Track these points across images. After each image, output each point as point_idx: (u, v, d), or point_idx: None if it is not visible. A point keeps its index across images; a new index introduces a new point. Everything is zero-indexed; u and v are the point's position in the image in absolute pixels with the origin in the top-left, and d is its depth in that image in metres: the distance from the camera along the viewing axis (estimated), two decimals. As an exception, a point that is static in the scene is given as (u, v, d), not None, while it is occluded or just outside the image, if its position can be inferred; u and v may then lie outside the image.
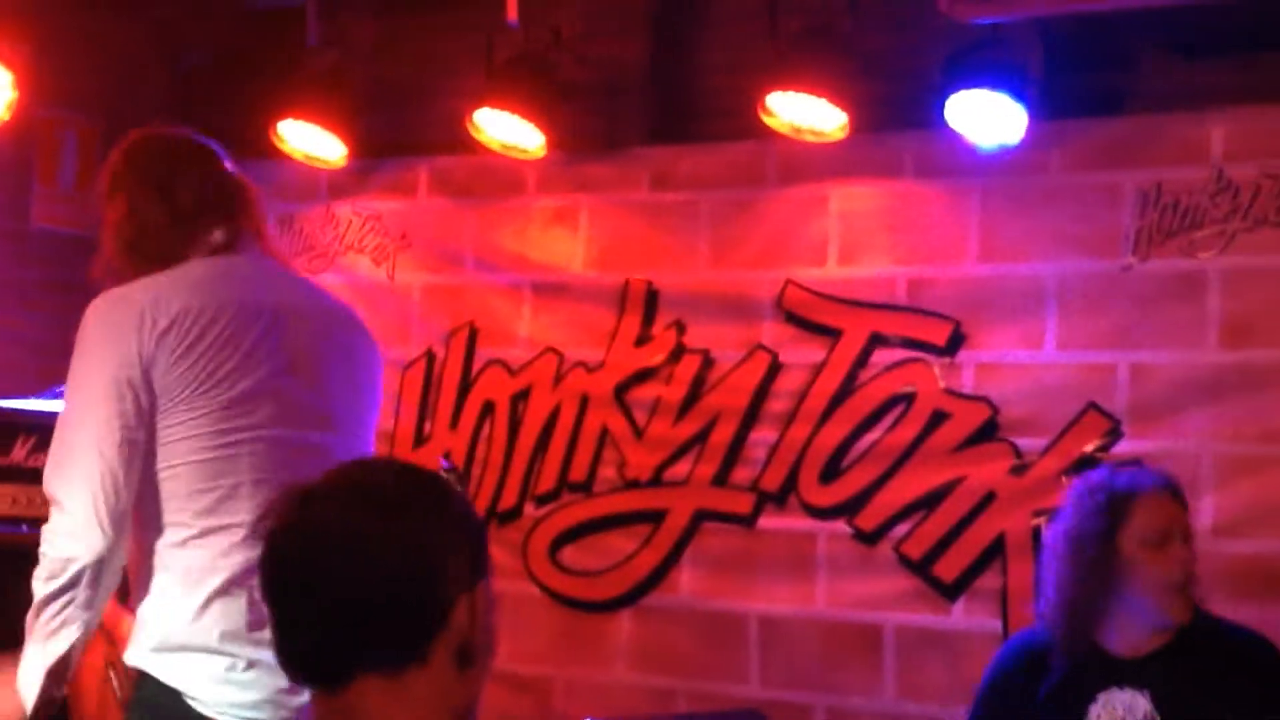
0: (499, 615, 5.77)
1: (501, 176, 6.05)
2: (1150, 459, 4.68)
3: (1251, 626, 4.04)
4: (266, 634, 2.27)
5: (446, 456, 5.82)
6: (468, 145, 5.87)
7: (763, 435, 5.62)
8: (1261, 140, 4.87)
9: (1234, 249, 4.88)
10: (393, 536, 2.18)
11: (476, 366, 6.15)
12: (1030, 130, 5.02)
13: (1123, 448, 4.94)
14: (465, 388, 6.16)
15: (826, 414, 5.50)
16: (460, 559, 2.22)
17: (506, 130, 5.81)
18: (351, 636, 2.19)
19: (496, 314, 6.13)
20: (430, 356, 6.23)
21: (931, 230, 5.37)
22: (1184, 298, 4.94)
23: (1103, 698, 3.95)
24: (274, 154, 6.06)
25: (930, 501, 5.31)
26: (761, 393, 5.62)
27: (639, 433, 5.82)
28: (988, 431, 5.23)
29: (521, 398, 6.05)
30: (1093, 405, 5.04)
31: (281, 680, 2.54)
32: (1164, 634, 3.95)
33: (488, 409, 6.11)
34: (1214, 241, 4.90)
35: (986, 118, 5.03)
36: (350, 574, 2.17)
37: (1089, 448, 5.02)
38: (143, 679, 3.48)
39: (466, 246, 6.18)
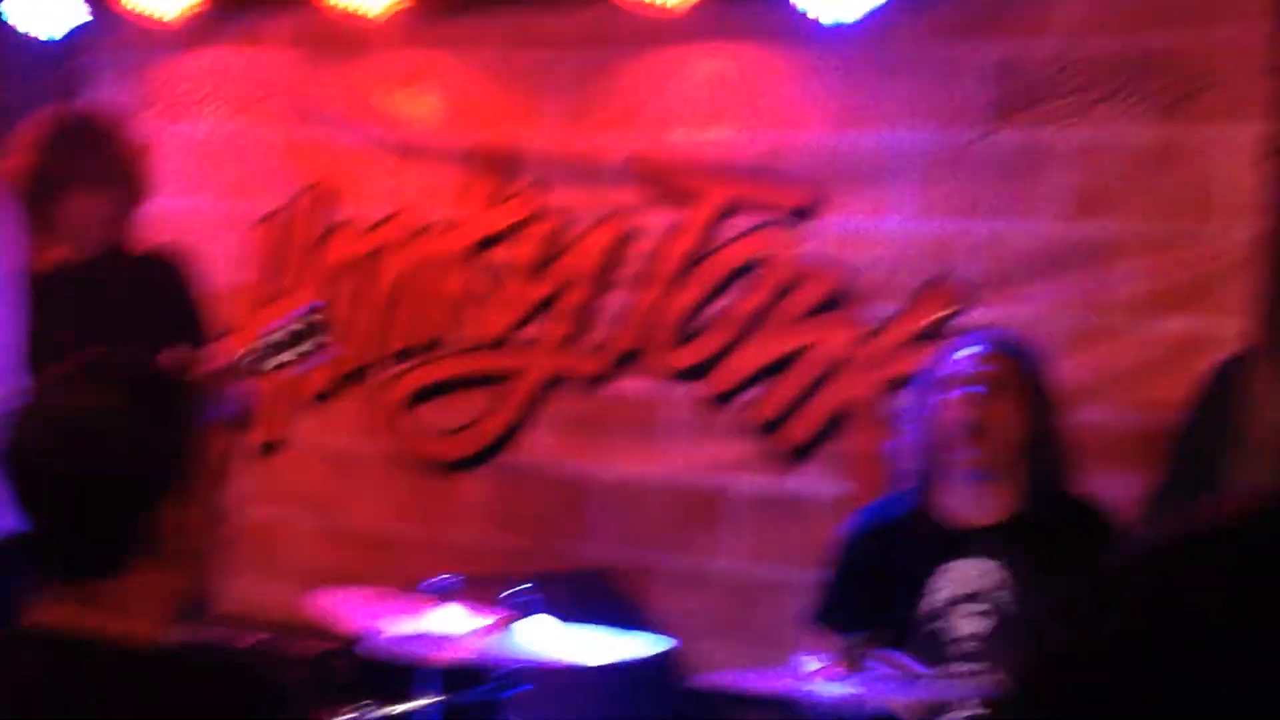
0: (350, 474, 5.69)
1: (357, 31, 5.89)
2: (998, 328, 4.68)
3: (1092, 496, 4.08)
4: None
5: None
6: None
7: (615, 299, 5.55)
8: (1111, 14, 4.84)
9: (1083, 122, 4.86)
10: (113, 431, 2.24)
11: (329, 224, 6.02)
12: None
13: (972, 317, 4.93)
14: (317, 245, 6.03)
15: (679, 278, 5.44)
16: (176, 460, 2.26)
17: (362, -15, 5.66)
18: (69, 524, 2.24)
19: (350, 172, 5.98)
20: (282, 213, 6.09)
21: (785, 97, 5.30)
22: (1033, 169, 4.91)
23: (954, 565, 3.97)
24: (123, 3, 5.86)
25: (780, 366, 5.28)
26: (614, 256, 5.55)
27: (491, 294, 5.74)
28: (838, 299, 5.20)
29: (374, 257, 5.94)
30: (942, 274, 5.03)
31: None
32: (1007, 503, 3.97)
33: (340, 268, 5.99)
34: (1063, 114, 4.88)
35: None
36: (70, 462, 2.23)
37: (937, 316, 5.01)
38: None
39: (321, 102, 6.02)
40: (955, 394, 4.00)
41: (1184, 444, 3.24)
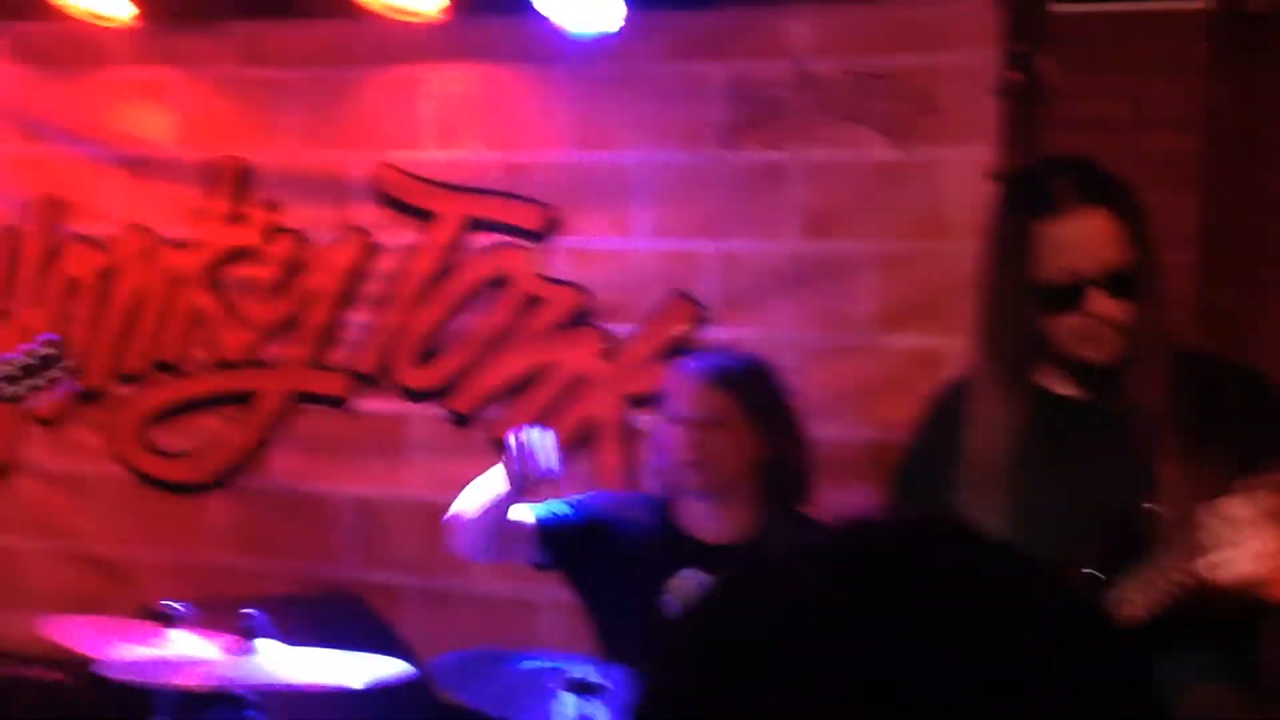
0: (87, 498, 5.54)
1: (88, 45, 5.74)
2: (737, 346, 4.73)
3: (824, 516, 4.14)
4: None
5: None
6: (51, 11, 5.55)
7: (357, 317, 5.49)
8: (843, 35, 4.92)
9: (818, 142, 4.93)
10: None
11: (60, 241, 5.86)
12: (625, 19, 4.98)
13: (711, 335, 4.98)
14: (48, 263, 5.87)
15: (420, 297, 5.40)
16: None
17: (93, -3, 5.52)
18: None
19: (82, 188, 5.83)
20: (11, 231, 5.91)
21: (526, 116, 5.29)
22: (767, 189, 4.97)
23: (682, 574, 4.01)
24: None
25: (523, 385, 5.28)
26: (355, 274, 5.49)
27: (230, 313, 5.64)
28: (579, 317, 5.21)
29: (107, 275, 5.79)
30: (680, 292, 5.06)
31: None
32: (740, 523, 4.02)
33: (73, 286, 5.83)
34: (798, 134, 4.94)
35: (580, 5, 4.98)
36: None
37: (677, 333, 5.04)
38: None
39: (50, 117, 5.86)
40: (674, 426, 4.05)
41: (909, 466, 3.30)
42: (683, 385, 4.09)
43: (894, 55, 4.85)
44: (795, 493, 4.08)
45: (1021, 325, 3.04)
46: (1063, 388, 3.08)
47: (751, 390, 4.07)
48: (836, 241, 4.90)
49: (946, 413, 3.22)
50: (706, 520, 4.05)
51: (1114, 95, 4.80)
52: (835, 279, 4.89)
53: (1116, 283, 2.96)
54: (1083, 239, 2.97)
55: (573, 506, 4.15)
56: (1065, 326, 2.98)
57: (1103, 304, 2.95)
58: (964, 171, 4.74)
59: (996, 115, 4.76)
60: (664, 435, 4.08)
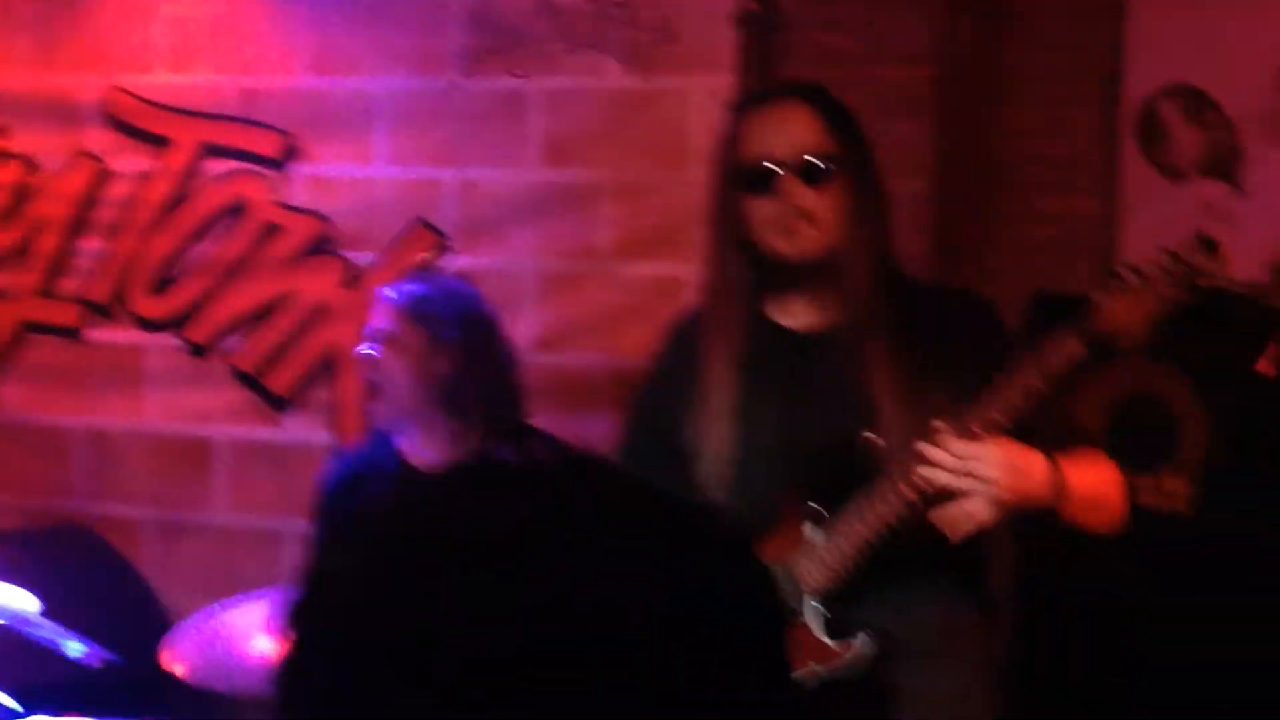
0: None
1: None
2: (479, 274, 4.69)
3: (572, 445, 4.13)
4: None
5: None
6: None
7: (89, 245, 5.34)
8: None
9: (557, 70, 4.90)
10: None
11: None
12: (362, -56, 4.91)
13: (452, 263, 4.94)
14: None
15: (155, 224, 5.27)
16: None
17: None
18: None
19: None
20: None
21: (263, 40, 5.17)
22: (508, 116, 4.93)
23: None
24: None
25: (262, 315, 5.19)
26: (87, 201, 5.33)
27: (-43, 241, 5.45)
28: (319, 245, 5.13)
29: None
30: (421, 220, 5.01)
31: None
32: (454, 448, 3.97)
33: None
34: (537, 62, 4.91)
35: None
36: None
37: (417, 262, 4.99)
38: None
39: None
40: (359, 350, 3.98)
41: (645, 394, 3.29)
42: (372, 311, 4.03)
43: (633, -17, 4.83)
44: (501, 418, 4.00)
45: (731, 225, 3.03)
46: (787, 319, 3.08)
47: (433, 314, 3.95)
48: (577, 170, 4.88)
49: (681, 341, 3.22)
50: (417, 447, 3.99)
51: (850, 26, 4.85)
52: (576, 207, 4.87)
53: (810, 171, 2.94)
54: (780, 125, 2.98)
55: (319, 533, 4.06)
56: (760, 214, 2.97)
57: (795, 190, 2.94)
58: (704, 99, 4.75)
59: (734, 44, 4.77)
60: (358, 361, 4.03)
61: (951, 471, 2.75)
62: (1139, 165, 5.02)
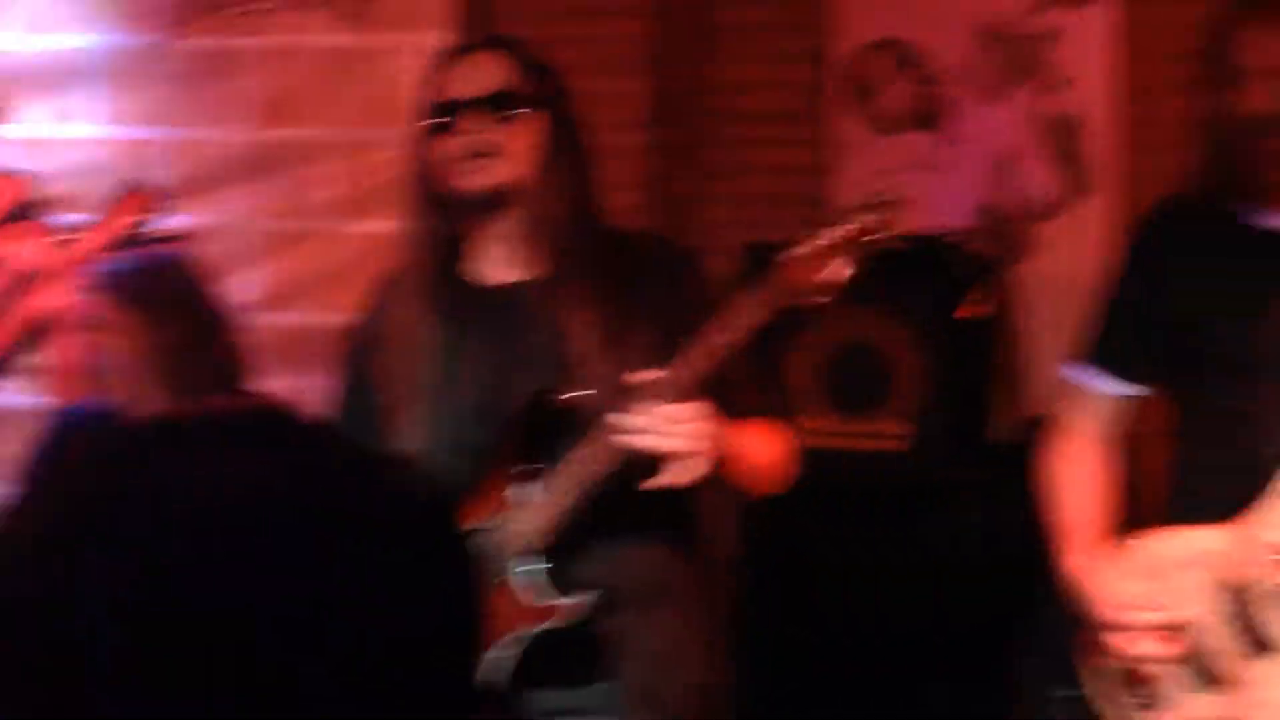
0: None
1: None
2: (197, 235, 4.62)
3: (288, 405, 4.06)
4: None
5: None
6: None
7: None
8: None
9: (269, 28, 4.83)
10: None
11: None
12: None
13: (170, 224, 4.84)
14: None
15: None
16: None
17: None
18: None
19: None
20: None
21: (-35, -1, 5.02)
22: (222, 75, 4.85)
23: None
24: None
25: (-30, 280, 5.04)
26: None
27: None
28: (28, 208, 4.99)
29: None
30: (134, 181, 4.90)
31: None
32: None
33: None
34: (248, 20, 4.83)
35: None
36: None
37: (132, 223, 4.89)
38: None
39: None
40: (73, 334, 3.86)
41: (351, 350, 3.22)
42: (84, 292, 3.91)
43: (346, -60, 4.79)
44: (220, 382, 3.92)
45: (424, 169, 3.01)
46: (489, 273, 3.05)
47: (145, 291, 3.85)
48: (293, 128, 4.82)
49: (386, 297, 3.18)
50: (138, 411, 3.90)
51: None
52: (292, 165, 4.82)
53: (495, 102, 2.92)
54: (472, 69, 2.97)
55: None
56: (445, 151, 2.95)
57: (478, 123, 2.92)
58: (415, 57, 4.71)
59: (447, 1, 4.75)
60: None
61: (652, 432, 2.75)
62: (848, 118, 5.13)
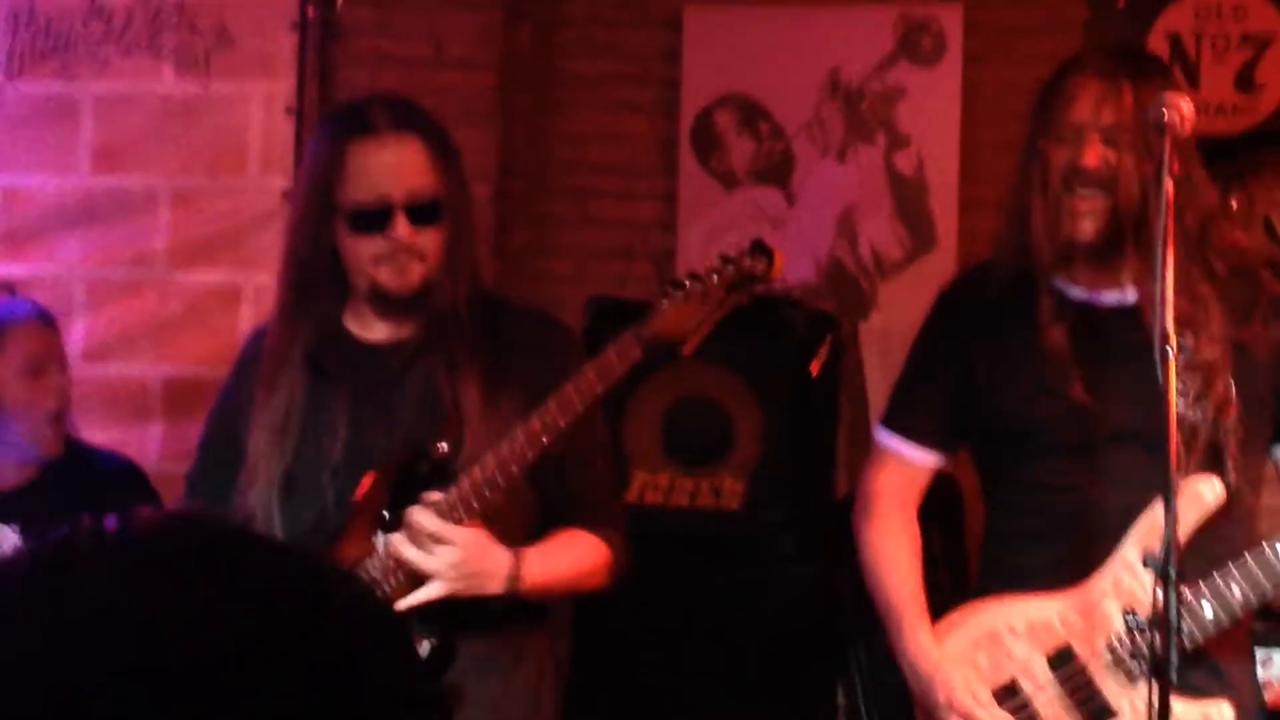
0: None
1: None
2: (24, 285, 4.47)
3: (117, 451, 3.95)
4: None
5: None
6: None
7: None
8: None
9: (107, 75, 4.71)
10: None
11: None
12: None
13: (-2, 271, 4.69)
14: None
15: None
16: None
17: None
18: None
19: None
20: None
21: None
22: (57, 120, 4.71)
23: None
24: None
25: None
26: None
27: None
28: None
29: None
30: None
31: None
32: (32, 466, 3.77)
33: None
34: (87, 65, 4.70)
35: None
36: None
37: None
38: None
39: None
40: (31, 375, 3.73)
41: (216, 411, 3.15)
42: (25, 332, 3.76)
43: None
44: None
45: (321, 250, 2.97)
46: (366, 331, 3.02)
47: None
48: (129, 176, 4.69)
49: (255, 355, 3.11)
50: None
51: (410, 33, 4.79)
52: (127, 214, 4.68)
53: (422, 210, 2.91)
54: (393, 164, 2.91)
55: None
56: (369, 250, 2.91)
57: (406, 229, 2.89)
58: (265, 105, 4.63)
59: (293, 50, 4.66)
60: (12, 396, 3.72)
61: (419, 547, 2.77)
62: (695, 172, 5.08)
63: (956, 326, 3.02)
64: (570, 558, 2.97)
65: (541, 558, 2.89)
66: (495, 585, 2.82)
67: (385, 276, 2.93)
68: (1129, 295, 2.90)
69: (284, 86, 4.64)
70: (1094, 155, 2.80)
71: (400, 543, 2.79)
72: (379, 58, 4.75)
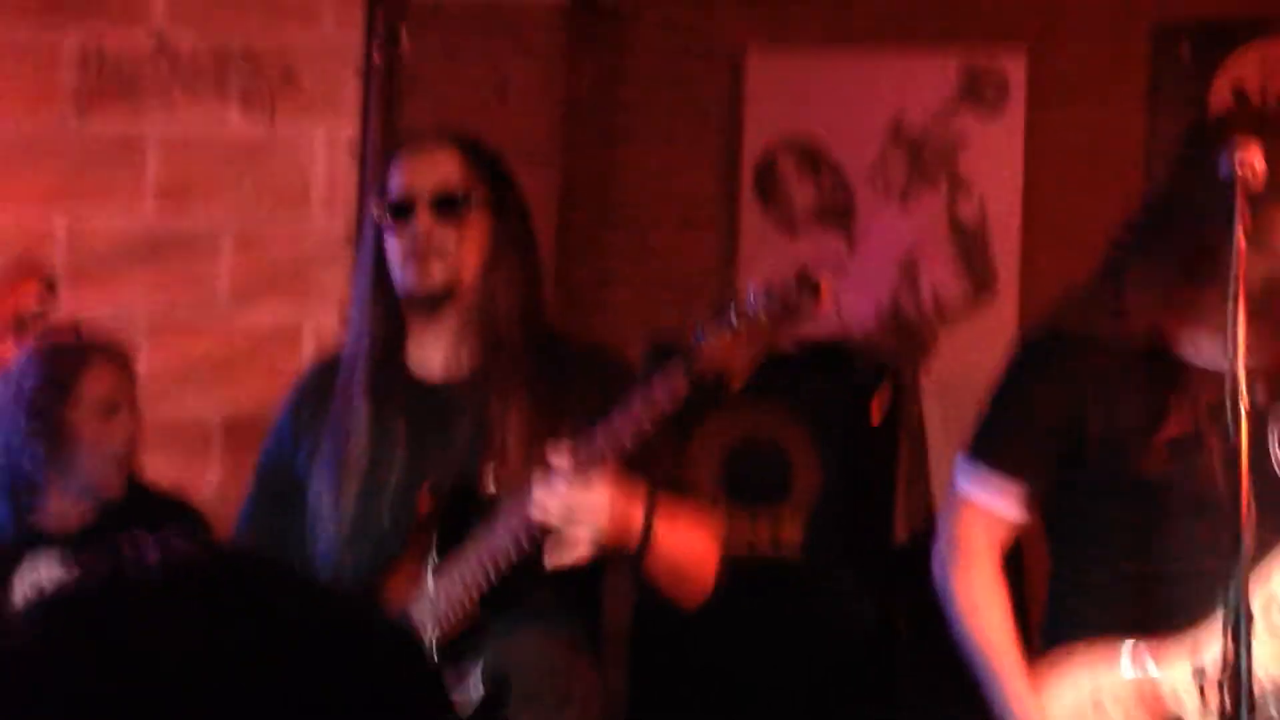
0: None
1: None
2: (91, 321, 4.45)
3: (177, 492, 3.92)
4: None
5: None
6: None
7: None
8: (203, 6, 4.71)
9: (175, 114, 4.70)
10: None
11: None
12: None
13: (63, 308, 4.67)
14: None
15: None
16: None
17: None
18: None
19: None
20: None
21: None
22: (123, 160, 4.71)
23: (29, 571, 3.70)
24: None
25: None
26: None
27: None
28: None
29: None
30: (29, 263, 4.73)
31: None
32: (92, 507, 3.73)
33: None
34: (154, 105, 4.71)
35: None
36: None
37: (28, 306, 4.72)
38: None
39: None
40: (102, 415, 3.69)
41: (271, 444, 3.12)
42: (99, 372, 3.73)
43: (254, 28, 4.67)
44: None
45: (370, 261, 2.96)
46: (426, 369, 3.00)
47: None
48: (193, 216, 4.68)
49: (311, 389, 3.10)
50: (61, 507, 3.72)
51: (475, 79, 4.78)
52: (192, 254, 4.67)
53: (444, 204, 2.89)
54: (422, 164, 2.94)
55: None
56: (398, 249, 2.90)
57: (427, 221, 2.88)
58: (328, 146, 4.63)
59: (358, 91, 4.66)
60: (84, 435, 3.67)
61: (559, 513, 2.70)
62: (755, 215, 5.04)
63: (1066, 372, 2.89)
64: (697, 540, 2.92)
65: (673, 526, 2.83)
66: (631, 540, 2.74)
67: (410, 275, 2.90)
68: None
69: (348, 127, 4.62)
70: None
71: (541, 511, 2.71)
72: (443, 99, 4.74)
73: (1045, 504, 2.97)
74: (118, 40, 4.70)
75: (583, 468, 2.72)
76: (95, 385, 3.68)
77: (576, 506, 2.71)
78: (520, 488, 2.79)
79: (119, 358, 3.78)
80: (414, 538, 2.90)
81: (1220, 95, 4.81)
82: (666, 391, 2.72)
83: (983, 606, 2.91)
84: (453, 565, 2.84)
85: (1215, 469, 2.67)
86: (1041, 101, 4.91)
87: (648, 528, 2.76)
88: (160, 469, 4.03)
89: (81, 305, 4.59)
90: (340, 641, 0.98)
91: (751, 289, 2.77)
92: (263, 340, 4.58)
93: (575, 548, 2.72)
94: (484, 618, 2.84)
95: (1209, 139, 2.71)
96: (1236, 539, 2.42)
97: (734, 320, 2.71)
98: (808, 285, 2.73)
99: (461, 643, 2.84)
